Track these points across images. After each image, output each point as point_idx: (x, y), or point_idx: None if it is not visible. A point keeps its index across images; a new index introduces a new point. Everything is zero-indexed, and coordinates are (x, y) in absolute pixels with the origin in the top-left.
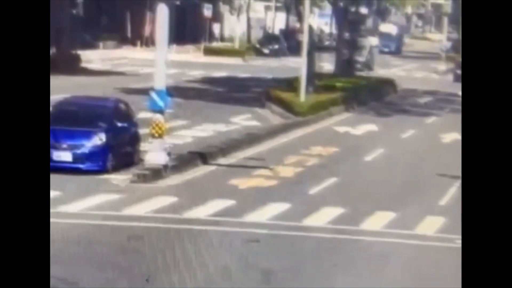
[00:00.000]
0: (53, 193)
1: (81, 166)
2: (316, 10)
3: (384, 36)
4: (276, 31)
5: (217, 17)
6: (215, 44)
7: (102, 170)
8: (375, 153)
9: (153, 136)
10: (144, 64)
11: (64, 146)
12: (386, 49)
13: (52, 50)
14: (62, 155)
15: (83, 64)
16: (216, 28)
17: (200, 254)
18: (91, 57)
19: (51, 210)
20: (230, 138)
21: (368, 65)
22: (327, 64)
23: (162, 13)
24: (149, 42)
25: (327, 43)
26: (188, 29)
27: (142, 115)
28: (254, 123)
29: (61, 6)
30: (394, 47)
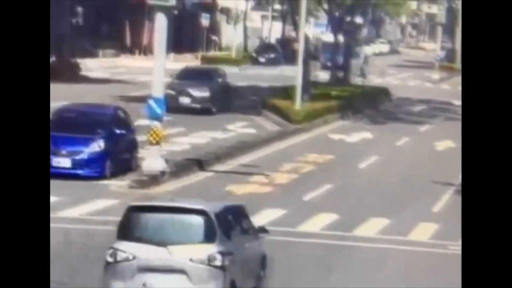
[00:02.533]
0: (52, 199)
1: (80, 172)
2: (312, 19)
3: (329, 47)
4: (273, 40)
5: (214, 26)
6: (212, 53)
7: (101, 176)
8: (370, 161)
9: (150, 143)
10: (143, 72)
11: (64, 152)
12: (327, 63)
13: (52, 58)
14: (61, 161)
15: (83, 72)
16: (213, 37)
17: None
18: (90, 65)
19: (51, 215)
20: (226, 145)
21: (362, 74)
22: (322, 72)
23: (161, 22)
24: (147, 50)
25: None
26: (185, 38)
27: (140, 122)
28: (250, 130)
29: (62, 15)
30: (338, 61)
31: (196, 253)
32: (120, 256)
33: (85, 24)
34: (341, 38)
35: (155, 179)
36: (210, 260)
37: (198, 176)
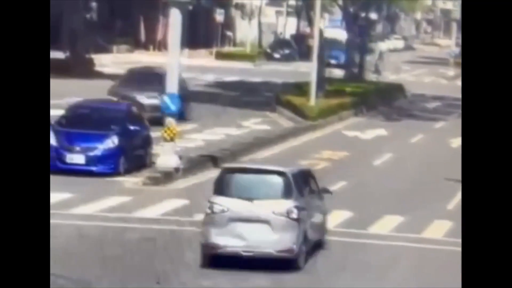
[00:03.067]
0: (66, 195)
1: (93, 168)
2: (326, 15)
3: (329, 44)
4: (287, 36)
5: (229, 22)
6: (227, 49)
7: (115, 173)
8: (384, 158)
9: (165, 139)
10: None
11: (77, 148)
12: (333, 61)
13: (66, 54)
14: (75, 158)
15: (97, 68)
16: (228, 32)
17: None
18: (104, 61)
19: (64, 212)
20: (241, 142)
21: (377, 70)
22: (337, 69)
23: (175, 17)
24: (161, 46)
25: None
26: (200, 33)
27: None
28: (264, 127)
29: (75, 11)
30: (344, 58)
31: (277, 207)
32: (216, 208)
33: (99, 19)
34: (346, 34)
35: (169, 175)
36: (288, 213)
37: (212, 173)
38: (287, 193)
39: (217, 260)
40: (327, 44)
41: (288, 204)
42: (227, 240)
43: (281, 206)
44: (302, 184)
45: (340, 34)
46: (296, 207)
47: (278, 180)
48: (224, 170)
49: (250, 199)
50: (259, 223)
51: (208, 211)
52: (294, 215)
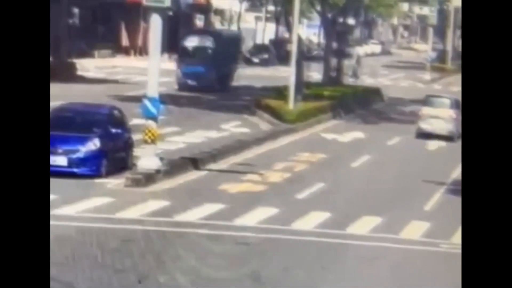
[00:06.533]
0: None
1: (76, 170)
2: (305, 21)
3: (189, 56)
4: (266, 41)
5: (208, 27)
6: None
7: (96, 175)
8: (362, 160)
9: (146, 142)
10: (138, 72)
11: (60, 151)
12: (190, 81)
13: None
14: (58, 160)
15: (79, 72)
16: None
17: (191, 256)
18: (86, 66)
19: None
20: (220, 144)
21: (355, 74)
22: (315, 73)
23: (155, 23)
24: (142, 51)
25: (315, 53)
26: (180, 38)
27: (136, 121)
28: (244, 130)
29: (58, 16)
30: (209, 78)
31: (447, 112)
32: (424, 112)
33: (82, 25)
34: (212, 41)
35: (150, 177)
36: (451, 115)
37: (193, 175)
38: (451, 107)
39: (421, 135)
40: (183, 57)
41: (451, 112)
42: (426, 126)
43: (449, 112)
44: (458, 104)
45: (204, 41)
46: (454, 113)
47: (448, 101)
48: (427, 96)
49: (436, 108)
50: (440, 119)
51: (420, 113)
52: (454, 116)
